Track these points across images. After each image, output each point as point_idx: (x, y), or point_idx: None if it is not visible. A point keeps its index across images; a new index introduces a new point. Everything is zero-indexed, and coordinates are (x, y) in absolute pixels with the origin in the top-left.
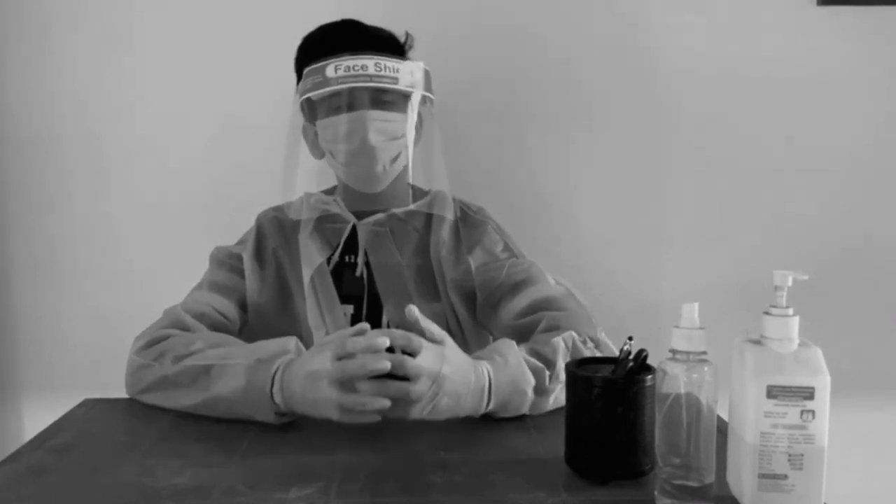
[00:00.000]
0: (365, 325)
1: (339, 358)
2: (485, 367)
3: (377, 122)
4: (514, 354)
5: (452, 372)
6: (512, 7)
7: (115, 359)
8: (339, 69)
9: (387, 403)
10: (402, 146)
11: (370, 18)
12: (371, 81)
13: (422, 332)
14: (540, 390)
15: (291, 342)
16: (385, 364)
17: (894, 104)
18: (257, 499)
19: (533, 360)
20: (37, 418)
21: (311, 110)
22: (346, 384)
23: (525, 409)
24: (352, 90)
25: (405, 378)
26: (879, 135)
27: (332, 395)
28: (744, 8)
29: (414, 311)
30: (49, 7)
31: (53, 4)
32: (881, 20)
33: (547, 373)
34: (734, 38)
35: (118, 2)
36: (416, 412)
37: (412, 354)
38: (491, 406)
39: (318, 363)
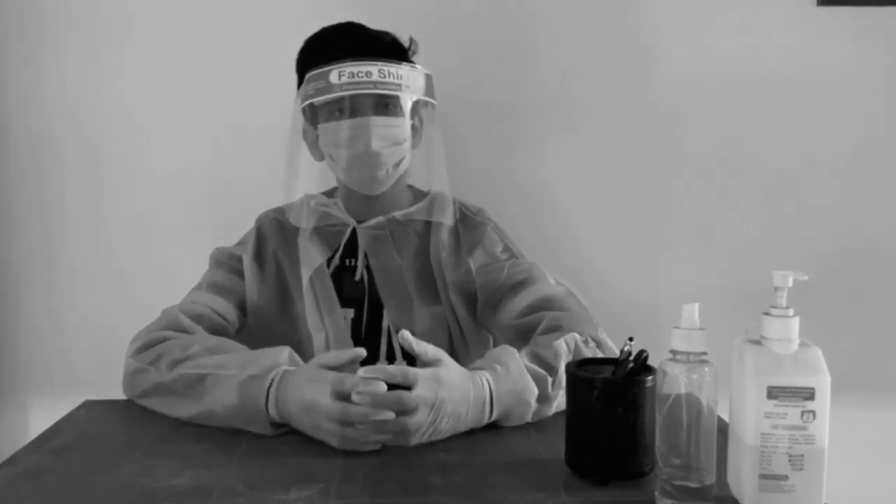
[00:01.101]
0: (360, 352)
1: (338, 394)
2: (485, 379)
3: (380, 128)
4: (515, 363)
5: (450, 393)
6: (512, 9)
7: (119, 360)
8: (343, 75)
9: (389, 437)
10: (404, 151)
11: (372, 21)
12: (375, 88)
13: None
14: (543, 397)
15: (284, 354)
16: (389, 415)
17: (894, 104)
18: (257, 500)
19: (535, 368)
20: (41, 420)
21: (313, 114)
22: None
23: (528, 419)
24: (355, 96)
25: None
26: (879, 135)
27: (332, 428)
28: (744, 8)
29: (407, 336)
30: (49, 9)
31: (53, 6)
32: (881, 20)
33: (549, 379)
34: (734, 39)
35: (118, 4)
36: (416, 440)
37: (409, 387)
38: (493, 417)
39: (314, 394)
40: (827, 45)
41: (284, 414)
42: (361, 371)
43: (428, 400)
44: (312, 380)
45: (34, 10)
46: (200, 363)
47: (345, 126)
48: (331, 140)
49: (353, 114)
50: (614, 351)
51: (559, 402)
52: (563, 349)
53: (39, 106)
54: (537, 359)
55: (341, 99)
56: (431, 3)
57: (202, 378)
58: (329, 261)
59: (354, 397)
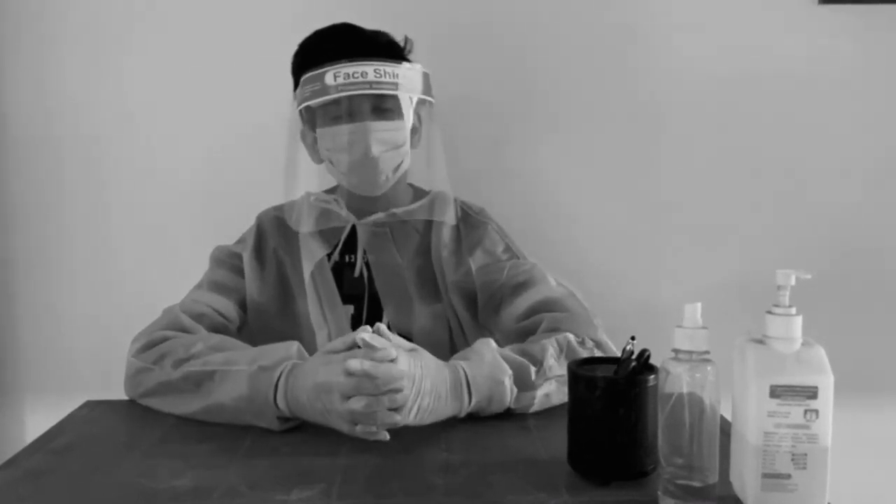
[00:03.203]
0: (365, 336)
1: (350, 372)
2: (460, 365)
3: (379, 132)
4: (489, 351)
5: (427, 370)
6: (512, 7)
7: (119, 360)
8: (339, 77)
9: (397, 417)
10: (404, 154)
11: (370, 20)
12: (371, 88)
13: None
14: (524, 385)
15: (293, 347)
16: (402, 384)
17: (895, 102)
18: (258, 500)
19: (514, 356)
20: (40, 421)
21: (310, 117)
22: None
23: (508, 401)
24: (352, 98)
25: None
26: (880, 133)
27: (344, 409)
28: (744, 7)
29: (380, 328)
30: (49, 10)
31: (53, 8)
32: (882, 19)
33: (532, 368)
34: (735, 38)
35: (118, 5)
36: (404, 417)
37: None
38: (473, 402)
39: (327, 374)
40: (828, 43)
41: (294, 405)
42: (365, 335)
43: (410, 373)
44: (324, 363)
45: (34, 14)
46: (207, 360)
47: (343, 131)
48: (330, 145)
49: (351, 117)
50: (614, 352)
51: (547, 394)
52: (552, 345)
53: (40, 106)
54: (522, 352)
55: (338, 102)
56: (429, 3)
57: (211, 374)
58: (329, 256)
59: (365, 366)
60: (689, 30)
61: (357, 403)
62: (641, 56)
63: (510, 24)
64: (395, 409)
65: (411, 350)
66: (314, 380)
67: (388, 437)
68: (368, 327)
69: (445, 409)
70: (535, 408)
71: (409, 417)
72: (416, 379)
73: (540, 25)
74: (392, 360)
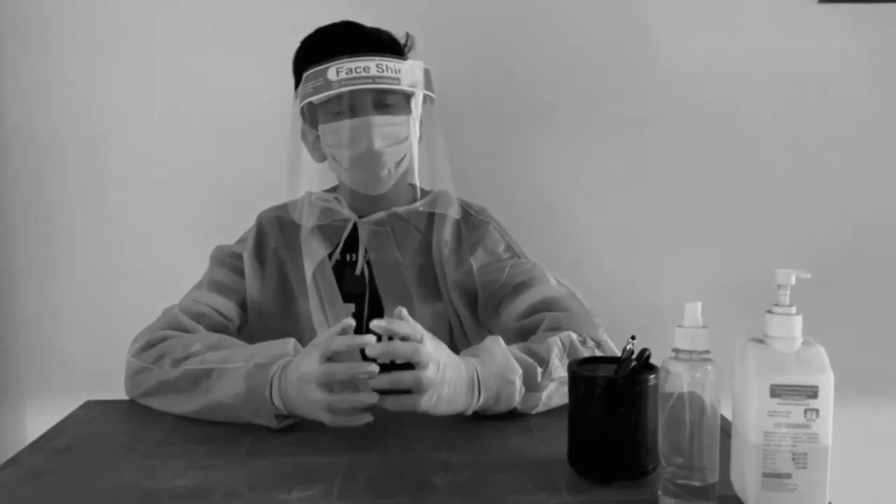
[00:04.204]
0: (350, 322)
1: (326, 358)
2: (472, 362)
3: (381, 127)
4: (499, 349)
5: (448, 359)
6: (512, 6)
7: (119, 360)
8: (341, 72)
9: (375, 398)
10: (406, 149)
11: (370, 18)
12: (374, 83)
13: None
14: (531, 386)
15: (289, 344)
16: (373, 368)
17: (895, 101)
18: (259, 500)
19: (523, 356)
20: (40, 421)
21: (312, 115)
22: (339, 385)
23: (516, 400)
24: (354, 93)
25: (407, 367)
26: (880, 132)
27: (319, 397)
28: (744, 6)
29: (402, 312)
30: (50, 8)
31: (54, 6)
32: (881, 17)
33: (539, 370)
34: (734, 37)
35: (118, 3)
36: (426, 401)
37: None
38: (481, 400)
39: (305, 365)
40: (828, 42)
41: (287, 401)
42: (372, 324)
43: (437, 357)
44: (305, 354)
45: (35, 12)
46: (205, 359)
47: (346, 126)
48: (332, 141)
49: (354, 113)
50: (615, 352)
51: (549, 395)
52: (557, 344)
53: (40, 108)
54: (528, 351)
55: (340, 97)
56: (430, 3)
57: (208, 373)
58: (330, 256)
59: (368, 350)
60: (689, 30)
61: (377, 382)
62: (641, 56)
63: (510, 24)
64: (420, 388)
65: (432, 339)
66: (298, 372)
67: (371, 418)
68: (352, 321)
69: (458, 403)
70: (539, 409)
71: (429, 403)
72: (440, 365)
73: (540, 25)
74: (419, 342)
